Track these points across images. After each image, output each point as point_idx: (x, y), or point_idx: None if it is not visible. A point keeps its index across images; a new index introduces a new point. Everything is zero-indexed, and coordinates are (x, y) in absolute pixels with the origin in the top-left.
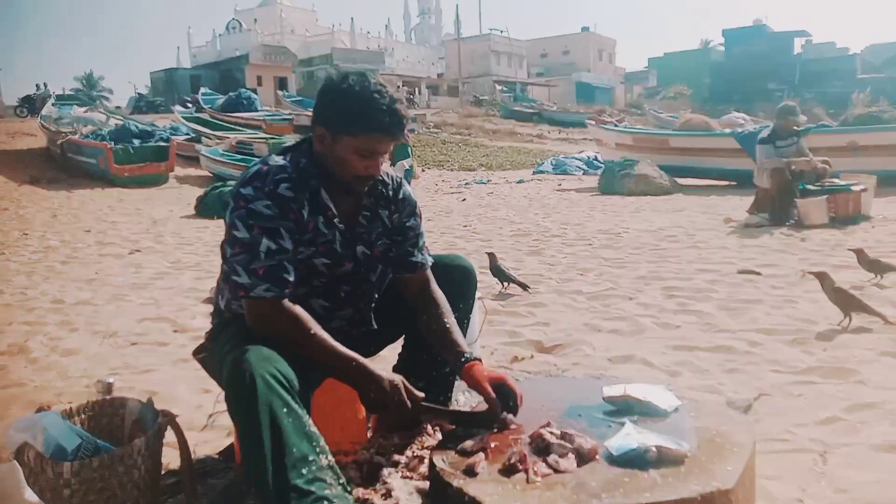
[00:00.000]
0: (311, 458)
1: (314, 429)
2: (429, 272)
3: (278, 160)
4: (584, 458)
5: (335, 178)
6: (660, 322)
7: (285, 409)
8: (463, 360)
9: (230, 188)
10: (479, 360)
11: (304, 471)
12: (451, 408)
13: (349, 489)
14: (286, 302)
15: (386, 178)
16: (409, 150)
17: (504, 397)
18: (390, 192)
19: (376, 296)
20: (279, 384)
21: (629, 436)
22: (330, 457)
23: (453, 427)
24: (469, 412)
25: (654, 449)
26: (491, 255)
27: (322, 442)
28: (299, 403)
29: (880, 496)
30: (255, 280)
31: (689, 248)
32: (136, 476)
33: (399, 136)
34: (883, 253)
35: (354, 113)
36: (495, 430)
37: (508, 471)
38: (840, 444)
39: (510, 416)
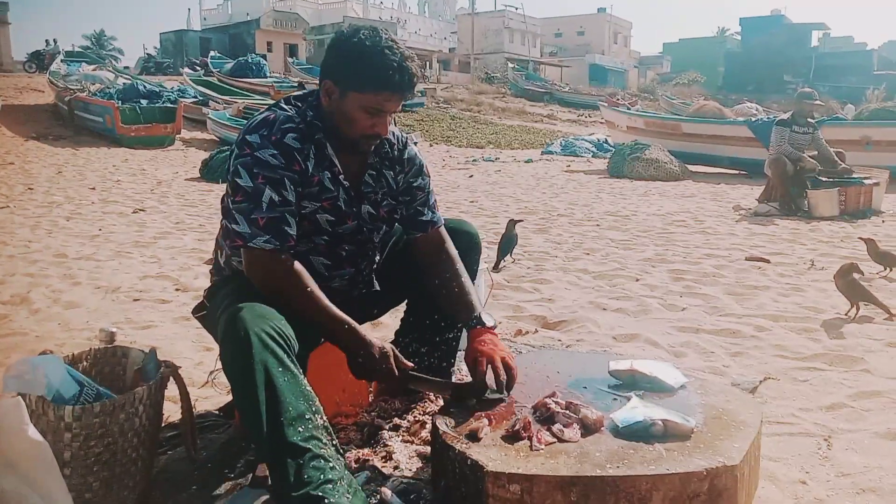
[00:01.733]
0: (307, 416)
1: (309, 388)
2: (443, 231)
3: (287, 109)
4: (589, 428)
5: (341, 136)
6: (666, 303)
7: (280, 368)
8: (471, 323)
9: None
10: (487, 327)
11: (300, 428)
12: (451, 379)
13: (341, 451)
14: (285, 255)
15: (392, 138)
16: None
17: (495, 375)
18: (395, 152)
19: (378, 258)
20: (274, 342)
21: (635, 409)
22: (324, 417)
23: (445, 396)
24: (456, 383)
25: (660, 423)
26: (512, 222)
27: (317, 402)
28: (295, 362)
29: (882, 482)
30: (255, 230)
31: (697, 233)
32: (137, 424)
33: (408, 95)
34: (892, 247)
35: (363, 68)
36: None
37: (512, 438)
38: (844, 430)
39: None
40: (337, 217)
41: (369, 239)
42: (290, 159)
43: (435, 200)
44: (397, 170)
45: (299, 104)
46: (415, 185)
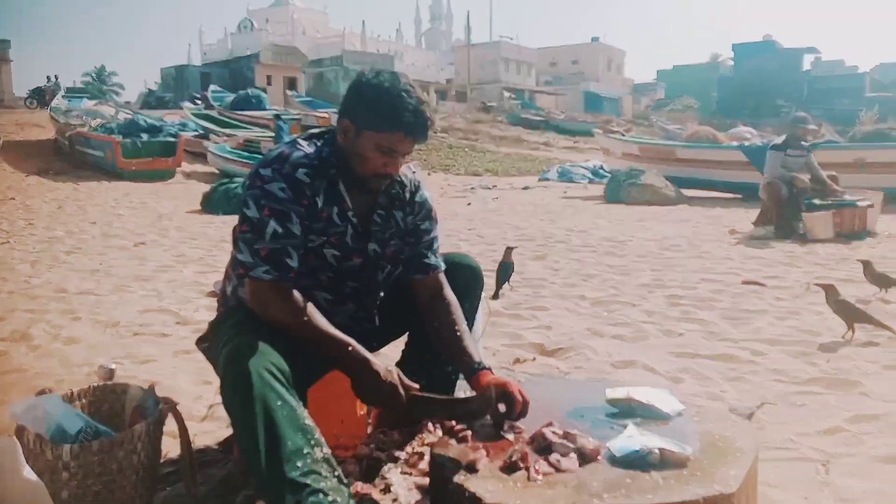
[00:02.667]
0: (305, 450)
1: (310, 421)
2: (442, 276)
3: (304, 145)
4: (586, 457)
5: (353, 173)
6: (663, 329)
7: (279, 402)
8: (474, 368)
9: (236, 185)
10: (490, 369)
11: (298, 464)
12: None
13: (346, 481)
14: (284, 285)
15: (404, 180)
16: None
17: (507, 403)
18: (406, 195)
19: (381, 294)
20: (273, 377)
21: (632, 437)
22: (326, 449)
23: (451, 420)
24: (461, 399)
25: (656, 451)
26: (509, 249)
27: (317, 434)
28: (294, 396)
29: None
30: (256, 260)
31: (694, 257)
32: (136, 461)
33: (421, 138)
34: (888, 269)
35: (381, 108)
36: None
37: (509, 468)
38: (842, 455)
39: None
40: (343, 253)
41: (374, 276)
42: (299, 193)
43: (438, 246)
44: (407, 211)
45: (317, 142)
46: (422, 227)
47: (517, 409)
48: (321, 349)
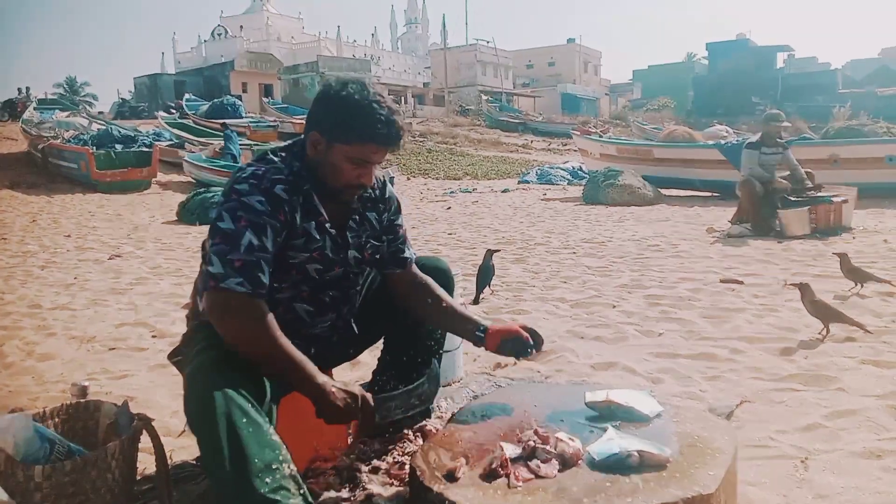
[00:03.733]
0: (273, 466)
1: (276, 437)
2: (415, 266)
3: (274, 160)
4: (567, 462)
5: (326, 186)
6: (642, 330)
7: (244, 420)
8: (482, 328)
9: (213, 194)
10: (490, 326)
11: (267, 479)
12: (430, 412)
13: (310, 500)
14: (257, 303)
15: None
16: None
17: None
18: (377, 192)
19: (358, 301)
20: (237, 394)
21: (611, 440)
22: (292, 466)
23: (412, 411)
24: (413, 386)
25: (635, 454)
26: (490, 252)
27: (284, 451)
28: (261, 412)
29: (860, 502)
30: (228, 270)
31: (672, 257)
32: (110, 480)
33: (394, 147)
34: (863, 263)
35: (351, 120)
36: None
37: (489, 476)
38: (821, 451)
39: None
40: (325, 265)
41: (354, 283)
42: (277, 208)
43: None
44: (380, 209)
45: (283, 154)
46: (396, 223)
47: (528, 347)
48: (281, 372)
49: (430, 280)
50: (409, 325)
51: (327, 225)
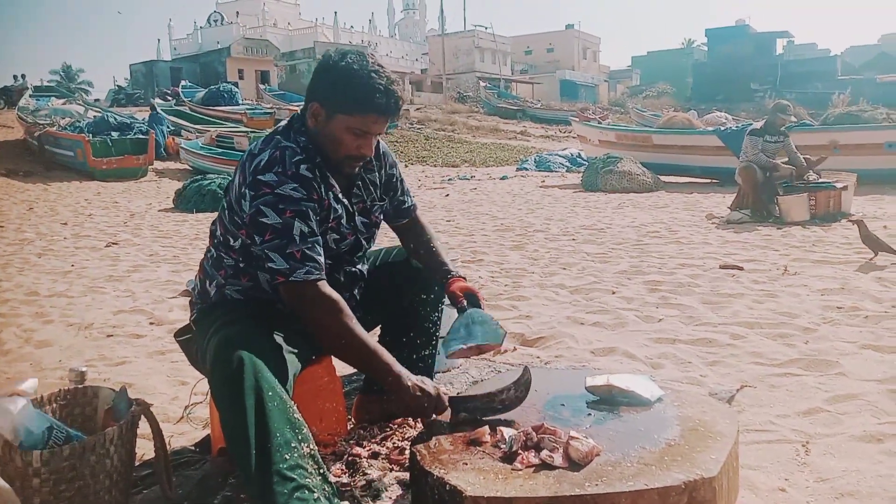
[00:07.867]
0: (293, 444)
1: (299, 415)
2: (417, 211)
3: (282, 141)
4: (576, 464)
5: (327, 156)
6: (642, 315)
7: (271, 393)
8: (448, 275)
9: (209, 182)
10: (462, 277)
11: (286, 456)
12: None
13: (330, 479)
14: (324, 284)
15: None
16: None
17: (472, 302)
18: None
19: (364, 278)
20: (265, 368)
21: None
22: (312, 445)
23: (493, 415)
24: (498, 390)
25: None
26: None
27: (305, 429)
28: (284, 389)
29: (860, 485)
30: (293, 263)
31: (671, 243)
32: (109, 466)
33: (394, 117)
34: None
35: (351, 91)
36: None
37: (501, 459)
38: (821, 435)
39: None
40: (340, 235)
41: (364, 249)
42: (310, 189)
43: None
44: (377, 165)
45: (287, 134)
46: (394, 176)
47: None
48: (354, 359)
49: (428, 226)
50: (406, 309)
51: (340, 195)
